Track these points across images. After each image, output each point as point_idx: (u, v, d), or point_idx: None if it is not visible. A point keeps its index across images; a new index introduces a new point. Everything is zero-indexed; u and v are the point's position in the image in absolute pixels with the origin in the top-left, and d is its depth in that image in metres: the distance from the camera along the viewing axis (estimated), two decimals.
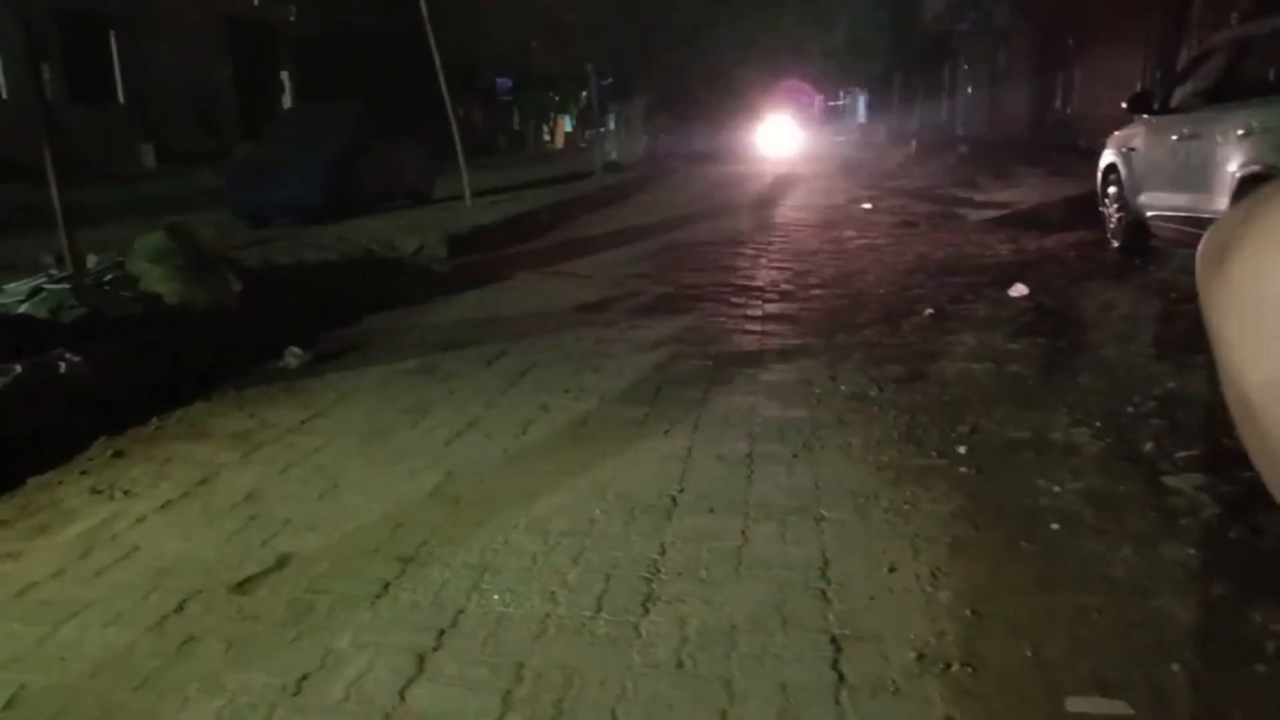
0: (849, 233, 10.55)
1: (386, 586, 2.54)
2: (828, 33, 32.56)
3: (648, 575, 2.57)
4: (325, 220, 10.43)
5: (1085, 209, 9.04)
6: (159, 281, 5.59)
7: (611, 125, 28.79)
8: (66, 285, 5.40)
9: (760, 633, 2.27)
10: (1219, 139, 6.01)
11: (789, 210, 13.73)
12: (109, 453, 3.69)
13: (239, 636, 2.32)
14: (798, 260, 8.57)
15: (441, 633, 2.30)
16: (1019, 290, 6.41)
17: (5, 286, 5.61)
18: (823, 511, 2.97)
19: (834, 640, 2.23)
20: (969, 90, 29.30)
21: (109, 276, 5.67)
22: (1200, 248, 0.51)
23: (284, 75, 25.91)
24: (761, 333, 5.63)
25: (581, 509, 3.02)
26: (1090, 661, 2.12)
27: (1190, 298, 5.32)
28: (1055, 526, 2.81)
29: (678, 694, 2.04)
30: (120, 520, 3.04)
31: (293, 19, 25.53)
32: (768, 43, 32.05)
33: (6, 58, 17.10)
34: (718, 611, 2.37)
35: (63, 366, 4.13)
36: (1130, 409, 3.86)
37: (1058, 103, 20.25)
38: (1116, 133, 8.18)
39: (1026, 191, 13.21)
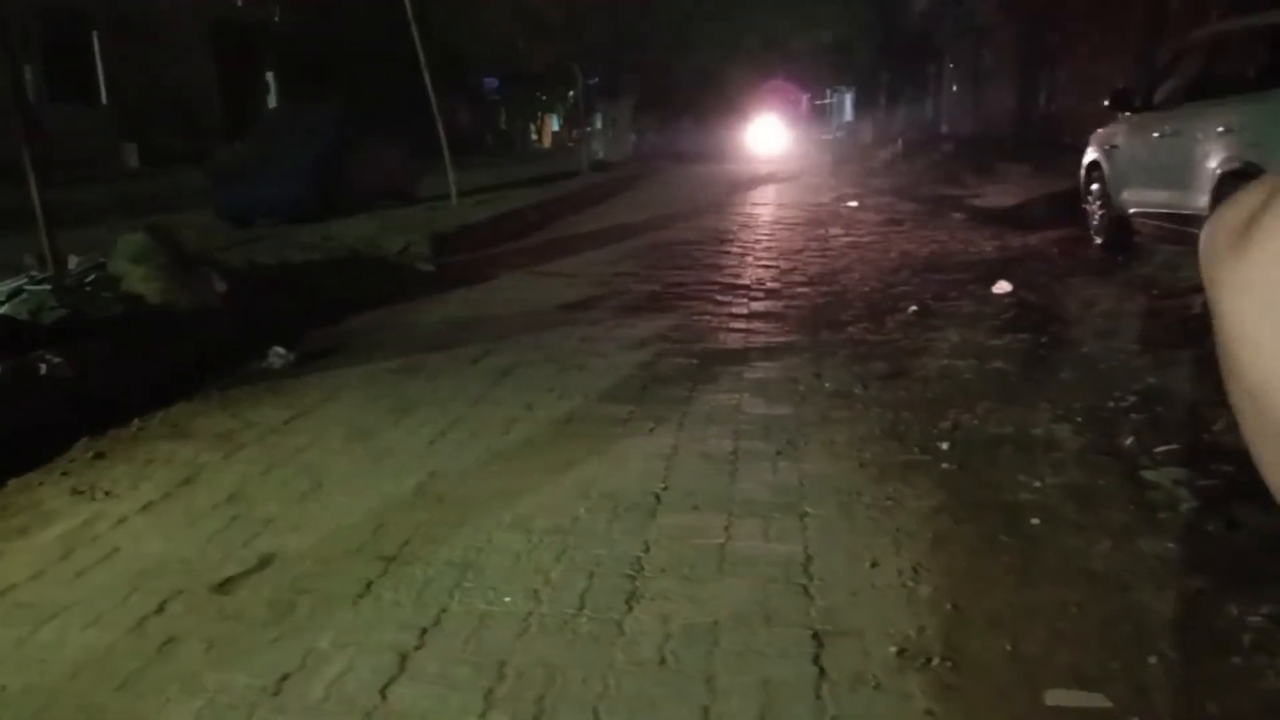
0: (835, 230, 10.57)
1: (369, 586, 2.54)
2: (814, 32, 32.62)
3: (631, 573, 2.58)
4: (310, 220, 10.37)
5: (1069, 206, 9.10)
6: (141, 282, 5.55)
7: (598, 124, 28.79)
8: (47, 286, 5.36)
9: (743, 629, 2.28)
10: (1199, 136, 6.06)
11: (775, 208, 13.76)
12: (90, 454, 3.67)
13: (220, 637, 2.31)
14: (784, 258, 8.58)
15: (424, 631, 2.30)
16: (1003, 287, 6.45)
17: None
18: (806, 508, 2.98)
19: (816, 636, 2.23)
20: (954, 88, 29.42)
21: (90, 277, 5.63)
22: (1207, 231, 0.50)
23: (268, 75, 25.77)
24: (747, 330, 5.64)
25: (565, 507, 3.02)
26: (1069, 655, 2.13)
27: (1171, 294, 5.35)
28: (1036, 521, 2.83)
29: (660, 691, 2.05)
30: (101, 521, 3.03)
31: (277, 19, 25.41)
32: (754, 42, 32.09)
33: None
34: (701, 608, 2.38)
35: (43, 367, 4.10)
36: (1111, 404, 3.89)
37: (1041, 100, 20.36)
38: (1099, 130, 8.24)
39: (1011, 189, 13.28)
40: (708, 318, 6.03)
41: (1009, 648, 2.17)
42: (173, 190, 13.90)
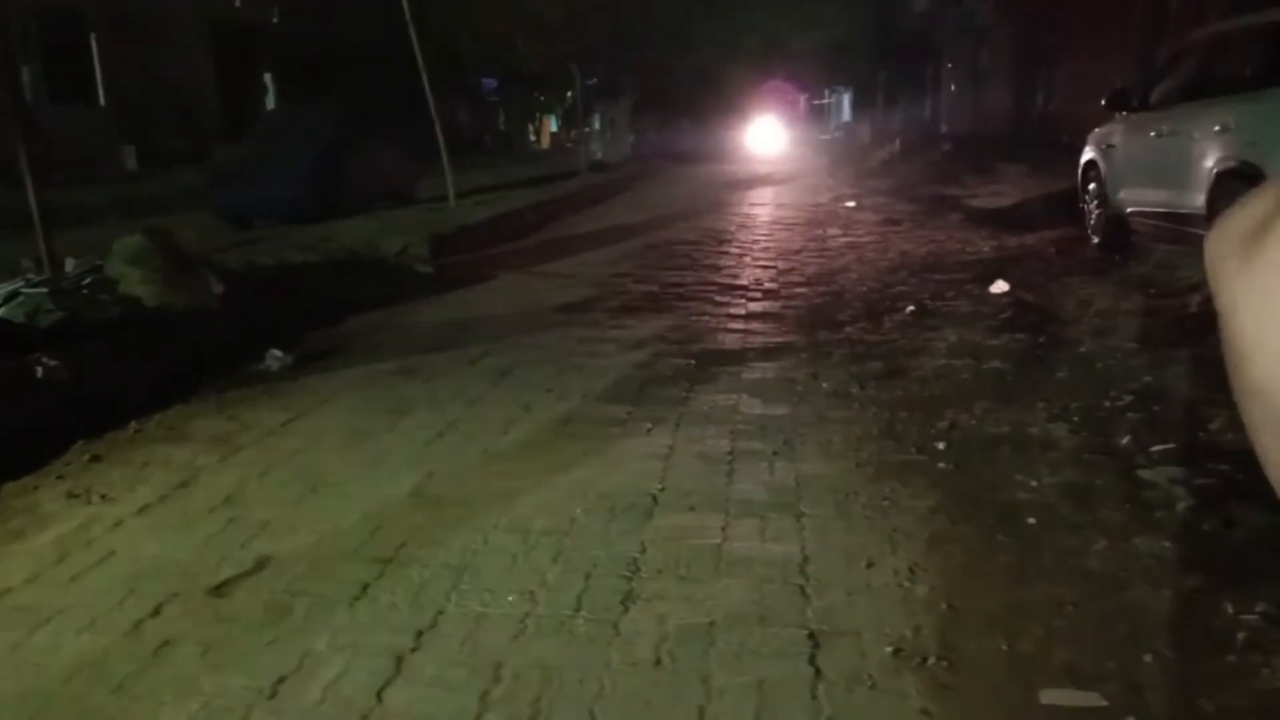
0: (833, 230, 10.58)
1: (365, 588, 2.54)
2: (813, 32, 32.63)
3: (627, 574, 2.58)
4: (308, 221, 10.37)
5: (1067, 205, 9.10)
6: (138, 284, 5.55)
7: (597, 125, 28.77)
8: (44, 289, 5.36)
9: (739, 629, 2.28)
10: (1196, 135, 6.06)
11: (774, 209, 13.76)
12: (86, 457, 3.67)
13: (216, 639, 2.31)
14: (782, 258, 8.59)
15: (420, 634, 2.30)
16: (1000, 287, 6.45)
17: None
18: (803, 508, 2.98)
19: (812, 636, 2.23)
20: (952, 88, 29.44)
21: (87, 280, 5.63)
22: (1214, 235, 0.49)
23: (267, 77, 25.76)
24: (745, 331, 5.64)
25: (562, 508, 3.02)
26: (1065, 654, 2.13)
27: (1168, 293, 5.34)
28: (1032, 520, 2.83)
29: (656, 691, 2.05)
30: (97, 525, 3.02)
31: (275, 20, 25.40)
32: (753, 42, 32.11)
33: None
34: (697, 609, 2.38)
35: (40, 370, 4.10)
36: (1108, 403, 3.89)
37: (1040, 99, 20.37)
38: (1096, 130, 8.24)
39: (1009, 188, 13.29)
40: (705, 318, 6.03)
41: (1005, 647, 2.17)
42: (171, 191, 13.90)
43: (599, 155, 22.92)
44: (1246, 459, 0.47)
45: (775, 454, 3.48)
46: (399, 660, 2.18)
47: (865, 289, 6.85)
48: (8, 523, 3.08)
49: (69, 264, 5.95)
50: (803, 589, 2.46)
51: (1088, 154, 8.25)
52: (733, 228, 11.26)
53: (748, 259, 8.66)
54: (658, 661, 2.15)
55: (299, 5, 24.55)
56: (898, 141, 23.93)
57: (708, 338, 5.48)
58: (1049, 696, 1.98)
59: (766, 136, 33.54)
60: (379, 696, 2.05)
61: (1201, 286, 5.70)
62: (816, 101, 47.57)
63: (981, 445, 3.50)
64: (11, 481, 3.40)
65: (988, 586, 2.46)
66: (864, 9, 32.92)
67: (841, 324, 5.70)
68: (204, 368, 4.81)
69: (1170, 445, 3.36)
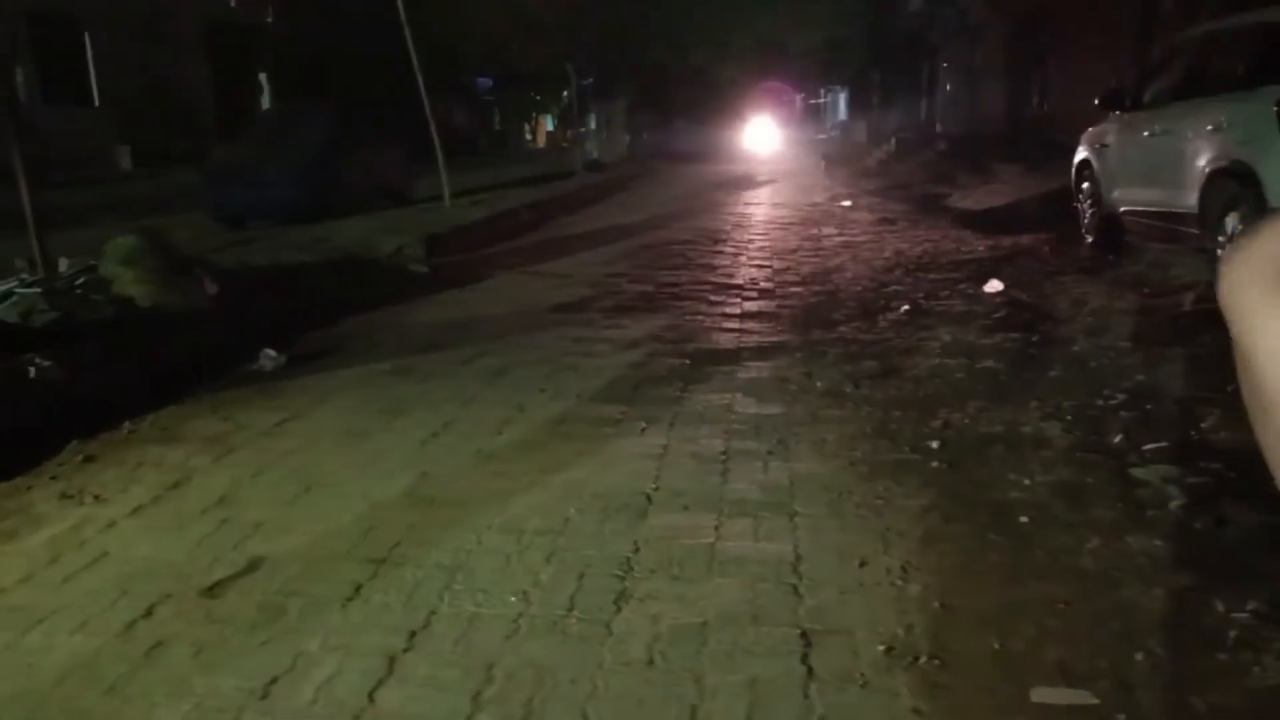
0: (828, 230, 10.59)
1: (358, 588, 2.54)
2: (808, 32, 32.65)
3: (620, 573, 2.58)
4: (304, 221, 10.35)
5: (1061, 205, 9.11)
6: (132, 285, 5.54)
7: (593, 125, 28.77)
8: (38, 289, 5.35)
9: (731, 628, 2.28)
10: (1189, 134, 6.07)
11: (769, 208, 13.77)
12: (80, 457, 3.66)
13: (208, 640, 2.30)
14: (777, 258, 8.59)
15: (412, 634, 2.30)
16: (994, 286, 6.46)
17: None
18: (796, 507, 2.98)
19: (804, 635, 2.24)
20: (947, 88, 29.45)
21: (81, 280, 5.62)
22: (1233, 265, 0.47)
23: (262, 77, 25.72)
24: (739, 330, 5.65)
25: (556, 508, 3.02)
26: (1057, 652, 2.14)
27: (1161, 292, 5.36)
28: (1025, 519, 2.83)
29: (648, 691, 2.05)
30: (90, 525, 3.02)
31: (271, 20, 25.35)
32: (748, 42, 32.13)
33: None
34: (690, 608, 2.38)
35: (33, 371, 4.09)
36: (1100, 402, 3.90)
37: (1034, 99, 20.38)
38: (1090, 129, 8.25)
39: (1003, 188, 13.30)
40: (700, 318, 6.03)
41: (997, 645, 2.17)
42: (167, 191, 13.88)
43: (595, 155, 22.93)
44: (1238, 458, 0.46)
45: (769, 453, 3.48)
46: (392, 660, 2.18)
47: (860, 288, 6.86)
48: (1, 523, 3.07)
49: (63, 264, 5.94)
50: (795, 588, 2.47)
51: (1081, 153, 8.26)
52: (728, 227, 11.27)
53: (743, 258, 8.66)
54: (650, 661, 2.16)
55: (295, 5, 24.51)
56: (893, 141, 23.91)
57: (702, 337, 5.48)
58: (1040, 695, 1.99)
59: (762, 136, 33.58)
60: (371, 697, 2.05)
61: (1194, 285, 5.73)
62: (812, 101, 47.63)
63: (975, 444, 3.51)
64: (4, 482, 3.39)
65: (980, 585, 2.47)
66: (859, 9, 32.91)
67: (836, 323, 5.71)
68: (198, 368, 4.80)
69: (1163, 444, 3.37)
